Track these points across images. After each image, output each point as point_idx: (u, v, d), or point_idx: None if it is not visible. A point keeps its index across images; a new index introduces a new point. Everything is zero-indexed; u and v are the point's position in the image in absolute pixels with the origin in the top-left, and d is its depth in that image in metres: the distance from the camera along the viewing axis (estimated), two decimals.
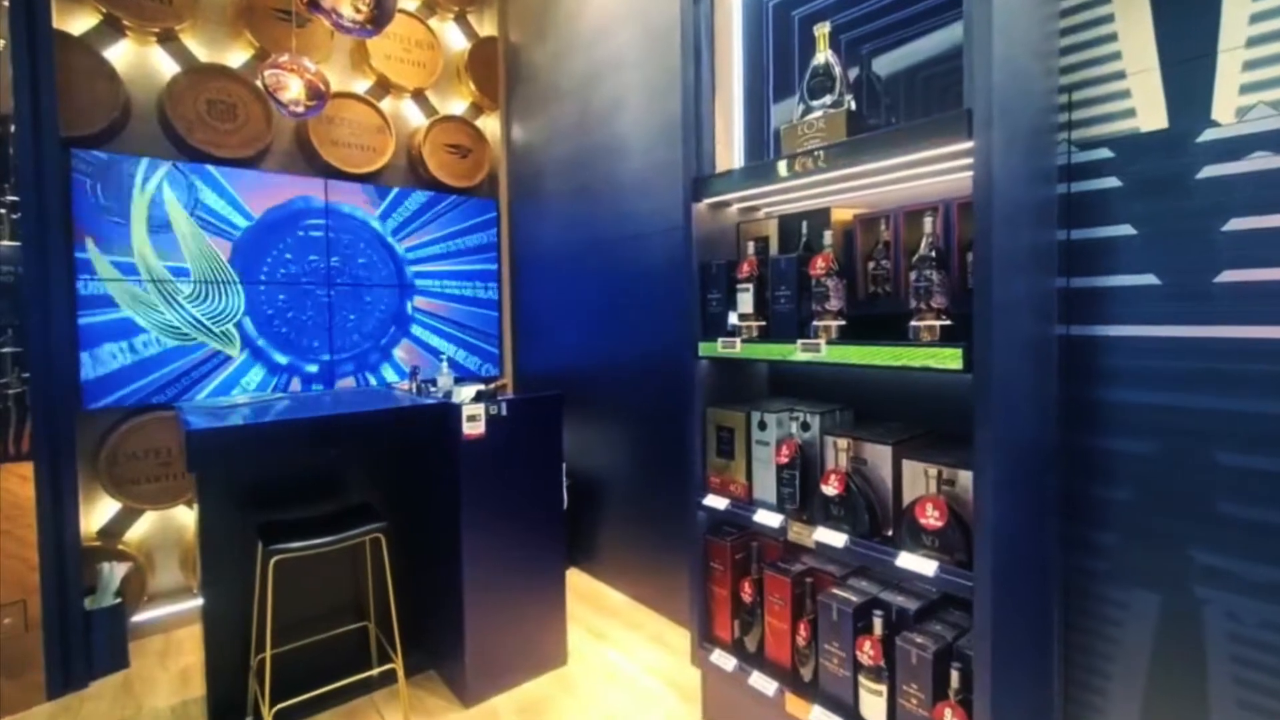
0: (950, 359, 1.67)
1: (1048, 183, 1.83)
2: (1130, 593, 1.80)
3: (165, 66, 3.53)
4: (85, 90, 3.25)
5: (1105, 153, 1.80)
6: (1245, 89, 1.60)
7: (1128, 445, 1.80)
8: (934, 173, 1.94)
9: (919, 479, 1.87)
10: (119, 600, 3.17)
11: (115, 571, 3.21)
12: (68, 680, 2.98)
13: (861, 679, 1.97)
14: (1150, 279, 1.74)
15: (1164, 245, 1.72)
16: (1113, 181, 1.79)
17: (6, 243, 2.87)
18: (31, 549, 2.88)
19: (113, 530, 3.44)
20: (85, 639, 3.04)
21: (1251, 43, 1.59)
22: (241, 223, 3.65)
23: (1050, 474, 1.88)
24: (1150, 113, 1.73)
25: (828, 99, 2.02)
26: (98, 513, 3.40)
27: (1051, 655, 1.92)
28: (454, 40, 4.79)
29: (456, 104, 4.83)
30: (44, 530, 2.91)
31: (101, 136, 3.33)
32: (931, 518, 1.77)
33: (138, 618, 3.42)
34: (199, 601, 3.06)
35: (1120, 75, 1.76)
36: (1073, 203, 1.86)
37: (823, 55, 2.04)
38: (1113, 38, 1.77)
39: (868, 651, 1.93)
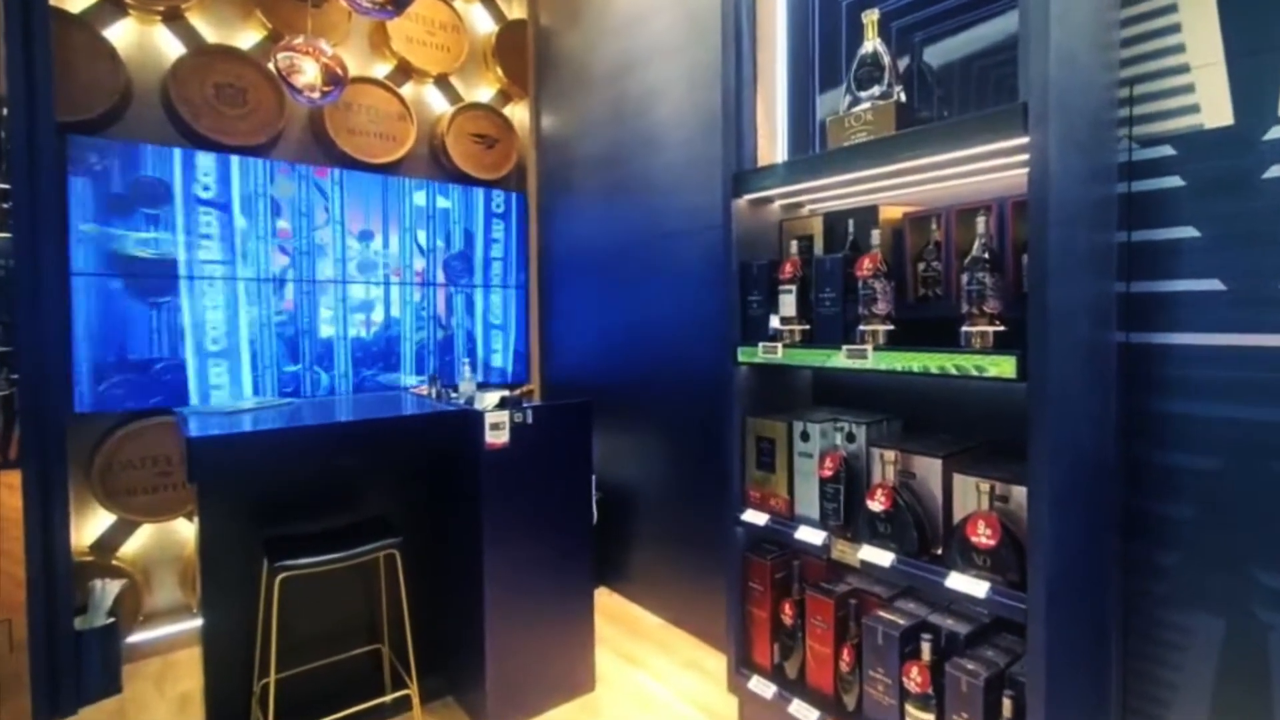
0: (1003, 367, 1.86)
1: (1107, 181, 2.03)
2: (1193, 617, 1.99)
3: (170, 47, 3.84)
4: (84, 72, 3.52)
5: (1168, 150, 1.99)
6: None
7: (1191, 460, 1.99)
8: (988, 169, 2.15)
9: (970, 494, 2.06)
10: (112, 620, 3.36)
11: (108, 589, 3.41)
12: (56, 706, 3.15)
13: (908, 707, 2.17)
14: (1215, 284, 1.93)
15: (1229, 248, 1.91)
16: (1175, 180, 1.98)
17: None
18: (18, 564, 3.05)
19: (106, 544, 3.68)
20: (75, 661, 3.22)
21: None
22: None
23: (1109, 490, 2.07)
24: (1215, 108, 1.92)
25: (876, 90, 2.24)
26: (90, 525, 3.64)
27: (1109, 682, 2.10)
28: (480, 23, 5.13)
29: (483, 91, 5.17)
30: (32, 544, 3.07)
31: (101, 121, 3.61)
32: (983, 536, 1.95)
33: (132, 639, 3.66)
34: (199, 622, 3.22)
35: (1184, 69, 1.96)
36: (1133, 202, 2.06)
37: (871, 43, 2.26)
38: (1176, 29, 1.97)
39: (915, 678, 2.12)
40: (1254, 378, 1.88)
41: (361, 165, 4.39)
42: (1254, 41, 1.86)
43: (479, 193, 4.89)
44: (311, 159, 4.27)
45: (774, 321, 2.55)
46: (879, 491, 2.20)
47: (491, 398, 3.22)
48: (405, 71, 4.68)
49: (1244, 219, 1.88)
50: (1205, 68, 1.92)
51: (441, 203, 4.69)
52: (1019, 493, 1.95)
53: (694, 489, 3.82)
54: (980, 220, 2.00)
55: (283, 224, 4.02)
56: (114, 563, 3.63)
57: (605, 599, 4.34)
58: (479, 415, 2.90)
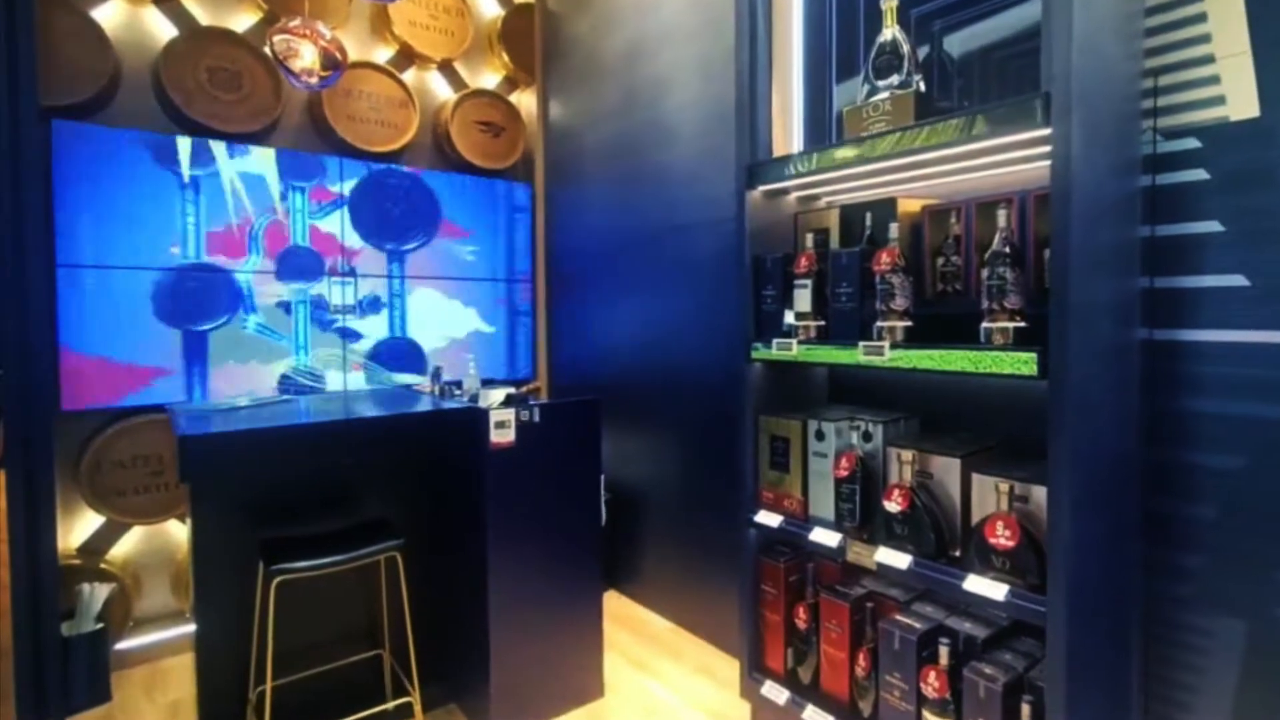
0: (1024, 364, 1.95)
1: (1130, 174, 2.12)
2: (1215, 620, 2.08)
3: (162, 29, 3.95)
4: (70, 55, 3.60)
5: (1192, 142, 2.08)
6: None
7: (1215, 460, 2.08)
8: (1009, 161, 2.24)
9: (989, 495, 2.15)
10: (101, 625, 3.44)
11: (97, 593, 3.49)
12: (41, 715, 3.22)
13: (925, 713, 2.26)
14: (1239, 280, 2.02)
15: (1254, 243, 2.00)
16: (1200, 174, 2.07)
17: None
18: (2, 567, 3.12)
19: (95, 547, 3.78)
20: (62, 669, 3.29)
21: None
22: None
23: (1130, 490, 2.16)
24: (1241, 100, 2.01)
25: (894, 79, 2.33)
26: (78, 527, 3.74)
27: (1130, 686, 2.19)
28: (486, 6, 5.25)
29: (488, 77, 5.30)
30: (16, 546, 3.14)
31: (88, 107, 3.70)
32: (1002, 537, 2.04)
33: (122, 645, 3.75)
34: (191, 627, 3.25)
35: (1209, 59, 2.05)
36: (1157, 196, 2.14)
37: (890, 31, 2.35)
38: (1202, 18, 2.06)
39: (932, 683, 2.22)
40: (1278, 376, 1.96)
41: (362, 153, 4.51)
42: None
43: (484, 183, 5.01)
44: (310, 146, 4.38)
45: (789, 317, 2.64)
46: (896, 492, 2.29)
47: (497, 395, 3.30)
48: (408, 56, 4.79)
49: (1269, 213, 1.97)
50: (1231, 58, 2.01)
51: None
52: (1039, 493, 2.04)
53: (706, 489, 3.92)
54: (1001, 213, 2.09)
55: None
56: (103, 566, 3.71)
57: (614, 603, 4.44)
58: (484, 413, 2.98)
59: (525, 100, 5.38)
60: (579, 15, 4.87)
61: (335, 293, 4.33)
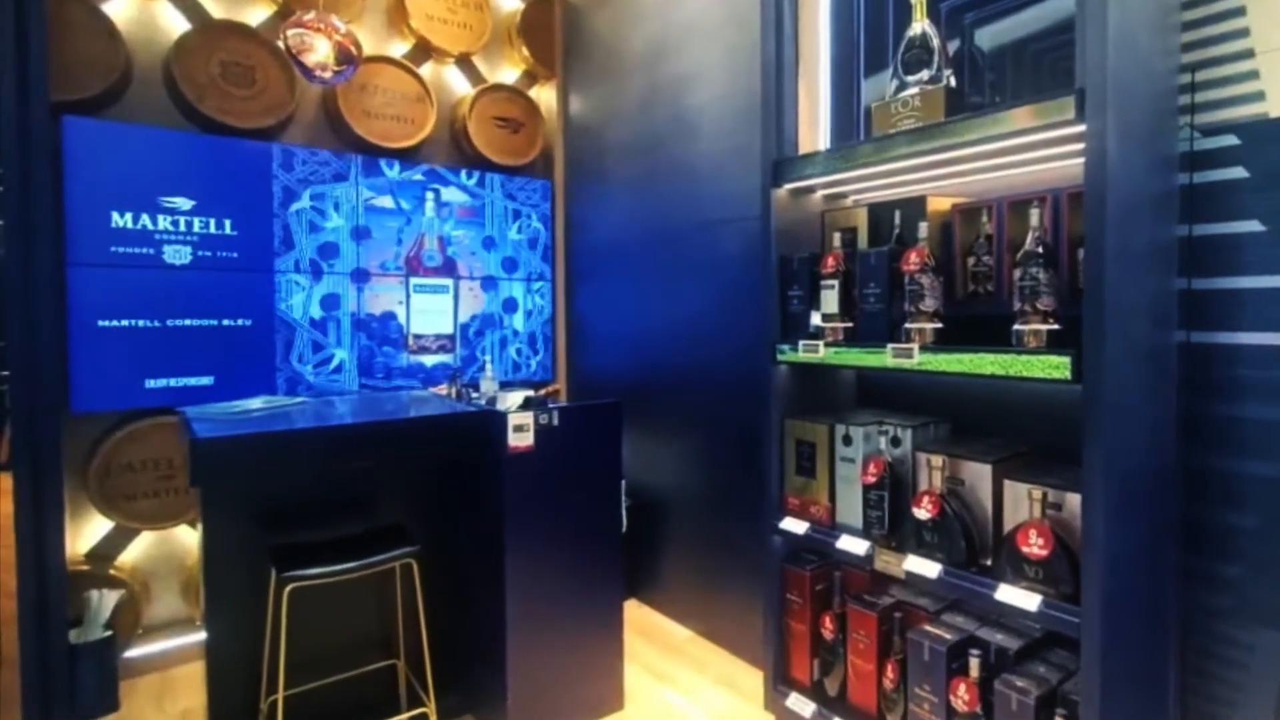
0: (1057, 368, 2.00)
1: (1168, 172, 2.17)
2: (1255, 632, 2.12)
3: (173, 23, 4.05)
4: (80, 49, 3.68)
5: (1231, 139, 2.13)
6: None
7: (1255, 466, 2.12)
8: (1042, 158, 2.30)
9: (1022, 502, 2.21)
10: (109, 633, 3.50)
11: (105, 600, 3.55)
12: None
13: None
14: (1279, 281, 2.03)
15: None
16: (1239, 172, 2.12)
17: None
18: (9, 572, 3.19)
19: (104, 552, 3.86)
20: (69, 677, 3.35)
21: None
22: None
23: (1168, 498, 2.21)
24: None
25: (924, 74, 2.39)
26: (87, 532, 3.83)
27: (1167, 701, 2.24)
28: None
29: (507, 72, 5.38)
30: (24, 552, 3.21)
31: (98, 102, 3.79)
32: (1035, 546, 2.09)
33: (130, 653, 3.82)
34: (202, 635, 3.31)
35: (1248, 54, 2.10)
36: (1195, 194, 2.19)
37: (919, 25, 2.41)
38: (1240, 12, 2.11)
39: (963, 696, 2.27)
40: None
41: (378, 150, 4.58)
42: None
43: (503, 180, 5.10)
44: (324, 143, 4.47)
45: (815, 318, 2.70)
46: (925, 499, 2.34)
47: (515, 398, 3.35)
48: (424, 51, 4.87)
49: None
50: (1270, 53, 2.05)
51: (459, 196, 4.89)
52: (1073, 500, 2.08)
53: (730, 495, 3.98)
54: (1034, 212, 2.14)
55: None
56: (111, 572, 3.76)
57: (634, 611, 4.50)
58: (502, 416, 3.03)
59: (545, 95, 5.45)
60: (601, 9, 4.95)
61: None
